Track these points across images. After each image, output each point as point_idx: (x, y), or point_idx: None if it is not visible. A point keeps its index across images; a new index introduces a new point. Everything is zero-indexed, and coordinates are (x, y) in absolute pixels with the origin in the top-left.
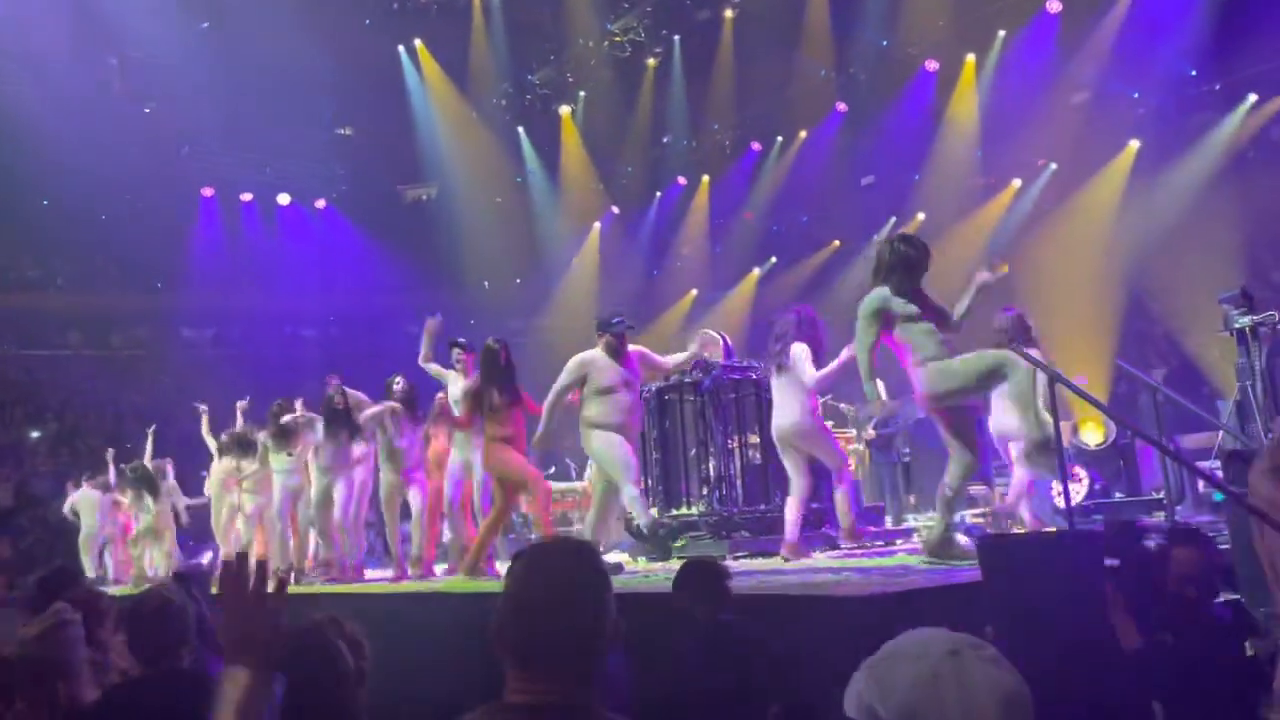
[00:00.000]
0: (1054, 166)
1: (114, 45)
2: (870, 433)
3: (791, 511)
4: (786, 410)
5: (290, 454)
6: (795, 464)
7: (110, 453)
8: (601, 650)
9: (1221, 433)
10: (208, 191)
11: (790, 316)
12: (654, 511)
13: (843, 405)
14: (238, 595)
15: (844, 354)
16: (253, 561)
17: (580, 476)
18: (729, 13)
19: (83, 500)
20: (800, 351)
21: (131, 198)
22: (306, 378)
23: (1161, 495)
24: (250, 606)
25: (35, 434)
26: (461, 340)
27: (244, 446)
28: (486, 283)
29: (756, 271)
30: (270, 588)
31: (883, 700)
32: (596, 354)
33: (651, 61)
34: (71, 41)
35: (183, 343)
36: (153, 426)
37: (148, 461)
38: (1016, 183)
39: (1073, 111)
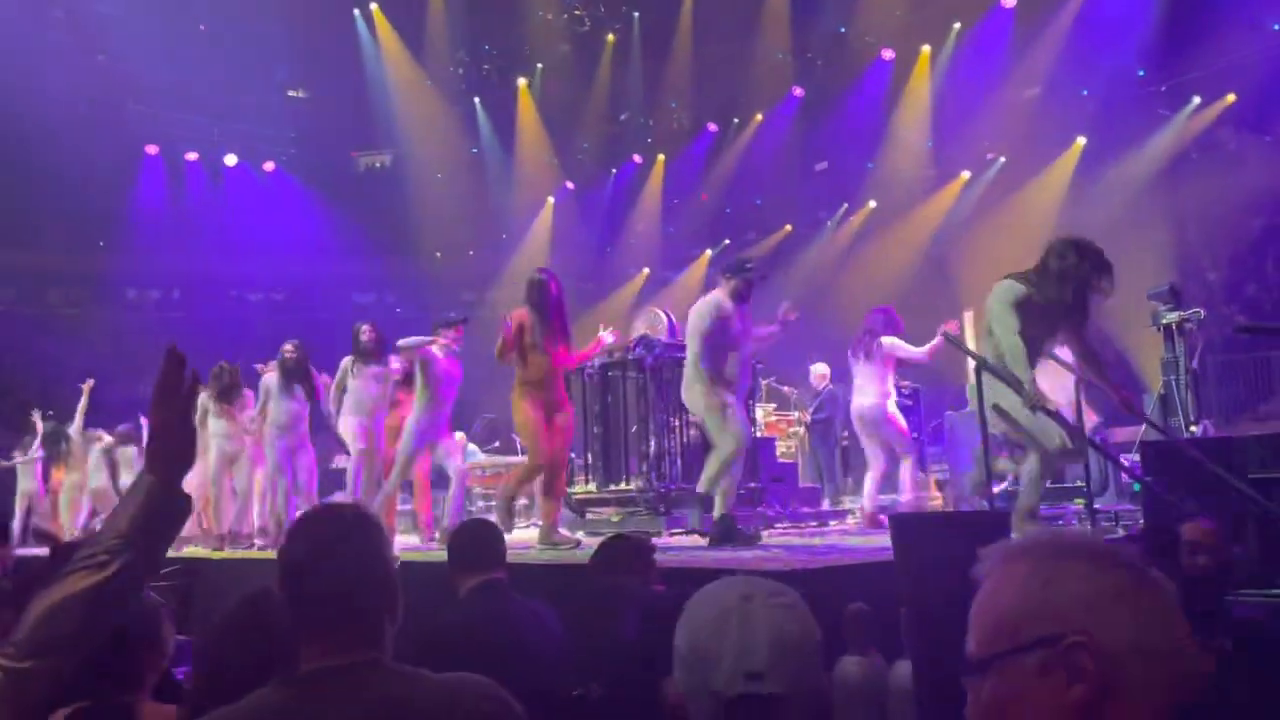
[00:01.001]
0: (1003, 160)
1: None
2: (807, 416)
3: (868, 485)
4: (868, 395)
5: (231, 418)
6: (872, 446)
7: (36, 413)
8: (382, 611)
9: (1144, 425)
10: (152, 149)
11: (878, 315)
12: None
13: (785, 388)
14: (174, 392)
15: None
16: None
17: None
18: None
19: (25, 464)
20: (894, 340)
21: (74, 153)
22: (251, 342)
23: (1083, 484)
24: (181, 408)
25: None
26: (453, 315)
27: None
28: (439, 253)
29: (709, 252)
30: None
31: (684, 635)
32: (723, 299)
33: (610, 37)
34: None
35: (126, 304)
36: (88, 382)
37: (79, 418)
38: (966, 174)
39: (1023, 106)
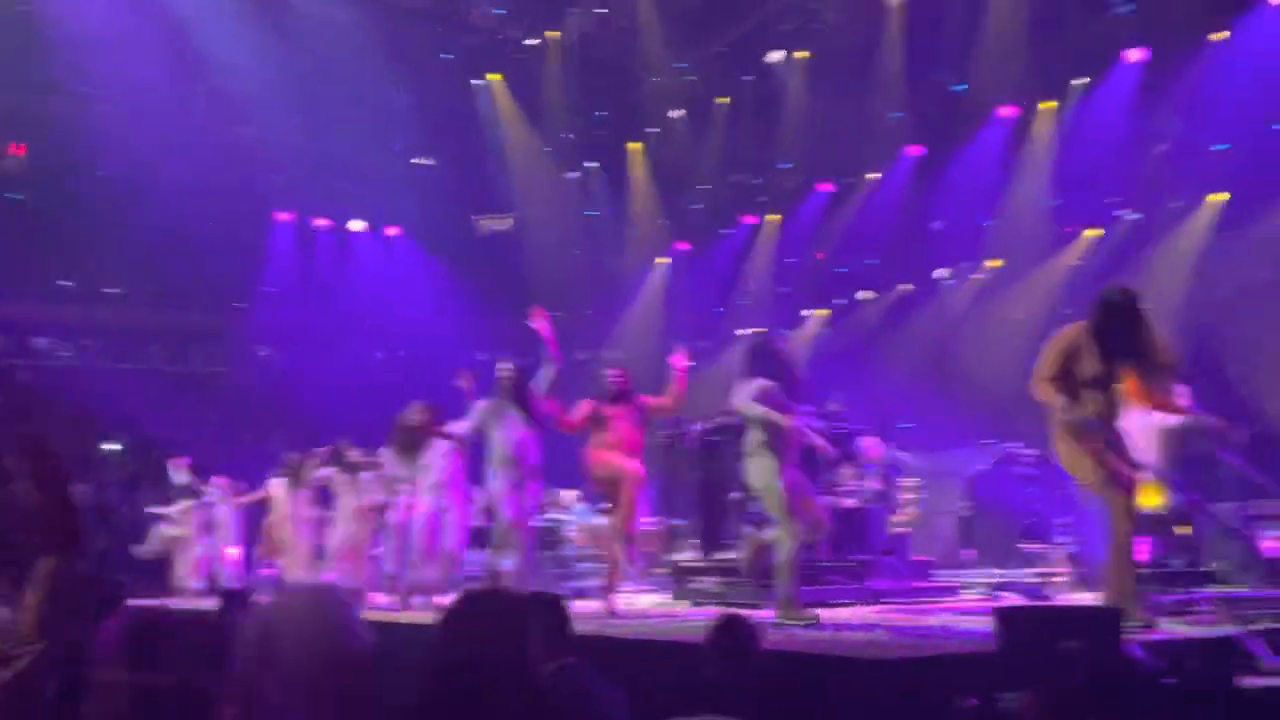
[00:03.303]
0: (1134, 217)
1: (203, 74)
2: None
3: None
4: None
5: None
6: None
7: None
8: (522, 699)
9: None
10: (284, 216)
11: None
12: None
13: (901, 453)
14: (51, 478)
15: None
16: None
17: None
18: (801, 54)
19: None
20: None
21: (213, 219)
22: (375, 398)
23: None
24: (59, 490)
25: (111, 446)
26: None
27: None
28: (557, 313)
29: (823, 312)
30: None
31: None
32: None
33: (722, 100)
34: (163, 69)
35: (257, 362)
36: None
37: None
38: (1093, 232)
39: (1154, 162)
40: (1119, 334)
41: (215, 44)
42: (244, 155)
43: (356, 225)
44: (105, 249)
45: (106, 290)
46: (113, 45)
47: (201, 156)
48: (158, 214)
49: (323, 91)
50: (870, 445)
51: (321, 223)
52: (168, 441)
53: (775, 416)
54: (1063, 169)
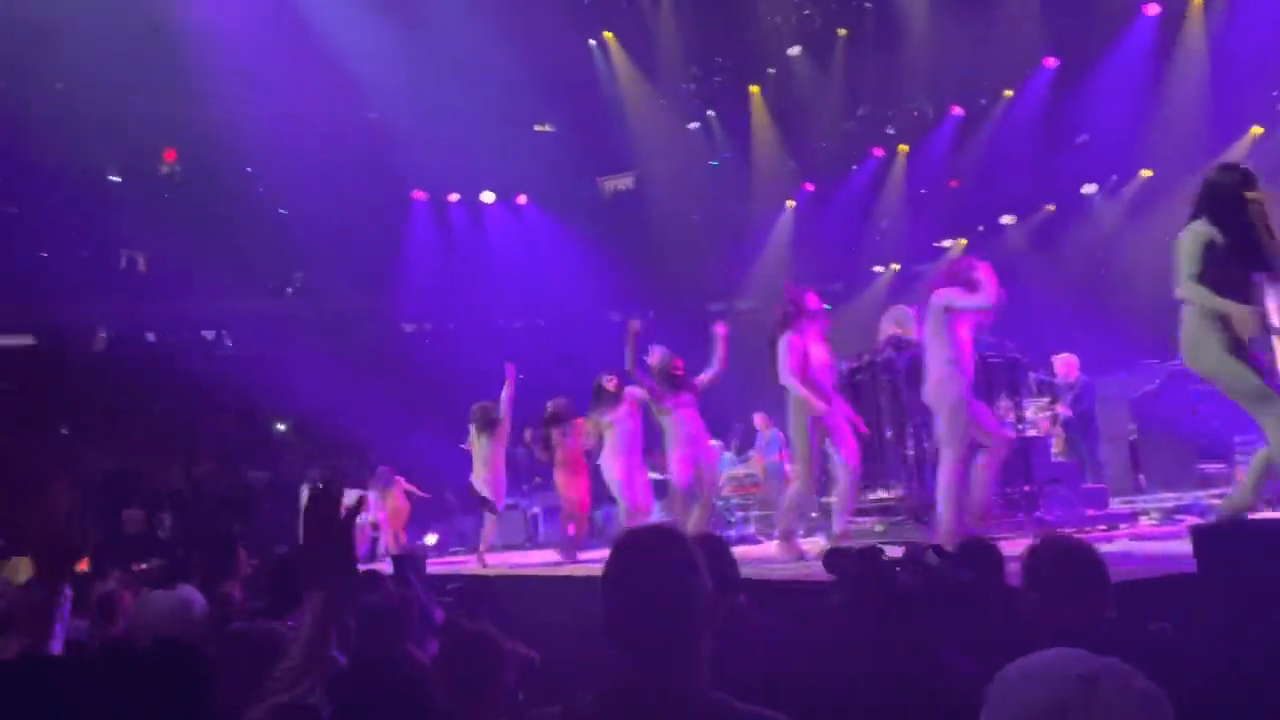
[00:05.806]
0: None
1: (327, 62)
2: (1066, 411)
3: None
4: None
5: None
6: None
7: None
8: (699, 632)
9: None
10: (419, 194)
11: None
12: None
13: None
14: (323, 523)
15: None
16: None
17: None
18: None
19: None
20: None
21: (355, 203)
22: (518, 365)
23: None
24: (331, 536)
25: (280, 427)
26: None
27: None
28: (685, 267)
29: (963, 241)
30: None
31: None
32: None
33: (842, 31)
34: (286, 61)
35: (405, 338)
36: None
37: None
38: (1257, 129)
39: None
40: (1243, 224)
41: (333, 30)
42: (375, 139)
43: (488, 197)
44: (258, 241)
45: (269, 281)
46: (239, 43)
47: (336, 144)
48: (304, 203)
49: (439, 67)
50: (1065, 364)
51: (454, 198)
52: (330, 422)
53: None
54: (1218, 65)
